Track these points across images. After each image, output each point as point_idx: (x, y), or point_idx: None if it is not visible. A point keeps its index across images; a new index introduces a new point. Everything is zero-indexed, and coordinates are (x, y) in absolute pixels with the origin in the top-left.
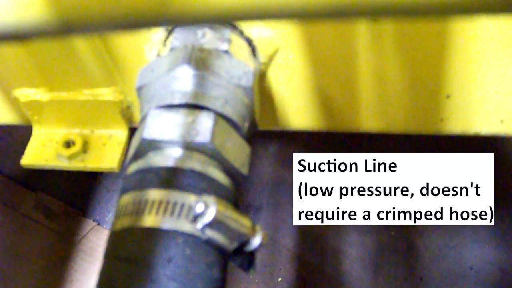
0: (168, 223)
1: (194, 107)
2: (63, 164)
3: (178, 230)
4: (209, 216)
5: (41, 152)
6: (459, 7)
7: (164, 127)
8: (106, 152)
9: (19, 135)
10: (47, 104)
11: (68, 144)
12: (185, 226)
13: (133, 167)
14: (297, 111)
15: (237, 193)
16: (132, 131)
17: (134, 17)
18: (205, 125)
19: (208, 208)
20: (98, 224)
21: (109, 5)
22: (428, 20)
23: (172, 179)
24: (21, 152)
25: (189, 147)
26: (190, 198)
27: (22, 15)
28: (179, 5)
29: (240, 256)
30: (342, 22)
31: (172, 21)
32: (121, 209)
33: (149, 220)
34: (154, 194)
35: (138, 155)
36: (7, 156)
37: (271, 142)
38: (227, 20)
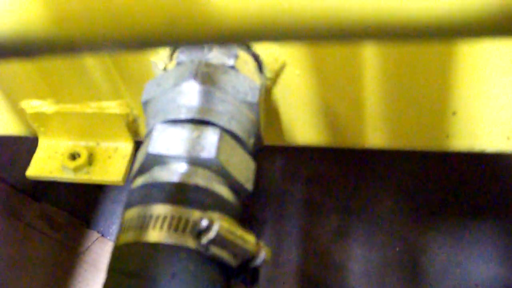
0: (172, 239)
1: (199, 122)
2: (68, 176)
3: (182, 245)
4: (213, 232)
5: (46, 164)
6: (462, 30)
7: (169, 142)
8: (111, 165)
9: (25, 146)
10: (53, 116)
11: (74, 156)
12: (189, 241)
13: (138, 182)
14: (303, 126)
15: (242, 209)
16: (138, 144)
17: (141, 37)
18: (210, 140)
19: (212, 224)
20: (102, 235)
21: (115, 24)
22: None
23: (177, 194)
24: (26, 162)
25: (194, 162)
26: (195, 214)
27: (25, 33)
28: (186, 26)
29: (244, 272)
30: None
31: (179, 42)
32: (125, 223)
33: (154, 235)
34: (159, 209)
35: (143, 169)
36: (13, 166)
37: (277, 156)
38: (234, 41)
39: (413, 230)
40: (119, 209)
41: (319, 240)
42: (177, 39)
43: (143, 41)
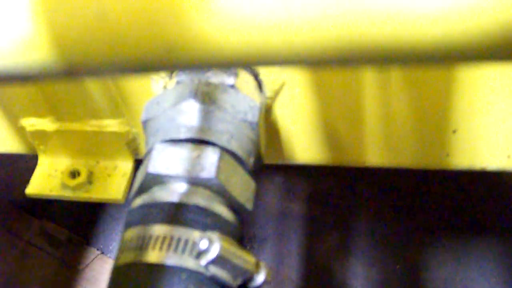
0: (172, 259)
1: (199, 141)
2: (68, 194)
3: (182, 266)
4: (213, 253)
5: (46, 182)
6: (462, 55)
7: (169, 161)
8: (111, 183)
9: (24, 163)
10: (53, 134)
11: (74, 175)
12: (189, 262)
13: (138, 201)
14: (303, 145)
15: (242, 229)
16: (137, 162)
17: (140, 63)
18: (210, 160)
19: (212, 245)
20: (102, 253)
21: (115, 50)
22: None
23: (176, 214)
24: (26, 179)
25: (194, 182)
26: (194, 234)
27: (26, 58)
28: (185, 51)
29: None
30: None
31: (178, 67)
32: (125, 244)
33: (153, 256)
34: (159, 229)
35: (143, 189)
36: (12, 183)
37: (277, 174)
38: (232, 66)
39: (414, 247)
40: (119, 226)
41: (320, 258)
42: (175, 64)
43: (143, 67)
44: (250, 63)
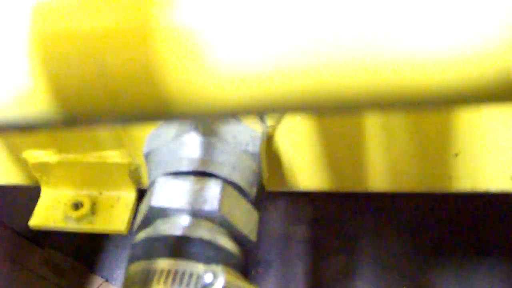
0: None
1: (201, 174)
2: (71, 225)
3: None
4: (218, 287)
5: (49, 214)
6: (460, 99)
7: (172, 195)
8: (114, 214)
9: (27, 194)
10: (55, 166)
11: (77, 206)
12: None
13: (141, 235)
14: (305, 172)
15: (246, 259)
16: (140, 192)
17: (137, 114)
18: (212, 193)
19: (217, 279)
20: (107, 280)
21: (113, 102)
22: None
23: (180, 248)
24: (29, 208)
25: (197, 214)
26: (199, 268)
27: (27, 110)
28: (181, 104)
29: None
30: None
31: (175, 119)
32: (129, 279)
33: None
34: (163, 263)
35: (146, 222)
36: (16, 213)
37: (280, 198)
38: (229, 117)
39: (419, 269)
40: (123, 254)
41: (326, 281)
42: (173, 116)
43: (141, 118)
44: (245, 113)
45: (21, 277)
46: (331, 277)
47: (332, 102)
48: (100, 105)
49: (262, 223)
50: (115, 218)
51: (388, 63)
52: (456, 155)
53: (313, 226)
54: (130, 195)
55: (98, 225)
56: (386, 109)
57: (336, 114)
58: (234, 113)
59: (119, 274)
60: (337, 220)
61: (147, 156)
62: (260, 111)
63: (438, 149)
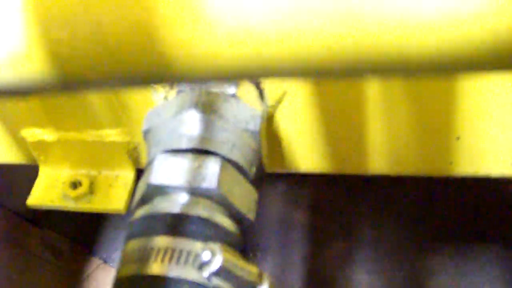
0: (174, 271)
1: (201, 152)
2: (70, 205)
3: (184, 278)
4: (215, 265)
5: (47, 193)
6: (465, 66)
7: (170, 172)
8: (112, 193)
9: (25, 174)
10: (54, 145)
11: (75, 185)
12: (191, 274)
13: (140, 213)
14: (305, 154)
15: (244, 239)
16: (139, 172)
17: (135, 75)
18: (211, 170)
19: (214, 256)
20: (105, 262)
21: (110, 62)
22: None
23: (178, 226)
24: (27, 189)
25: (196, 192)
26: (197, 246)
27: (22, 73)
28: (180, 64)
29: None
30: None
31: (174, 80)
32: (127, 256)
33: (155, 268)
34: (160, 241)
35: (144, 200)
36: (13, 194)
37: (279, 182)
38: (229, 79)
39: (418, 255)
40: (121, 236)
41: (323, 266)
42: (172, 77)
43: (139, 79)
44: (245, 76)
45: (18, 257)
46: (329, 262)
47: (334, 64)
48: (96, 65)
49: (260, 207)
50: (113, 197)
51: (378, 24)
52: (458, 138)
53: (312, 211)
54: (128, 175)
55: (96, 205)
56: (376, 73)
57: (333, 78)
58: (234, 73)
59: (118, 256)
60: (336, 205)
61: (146, 133)
62: (260, 71)
63: (440, 132)
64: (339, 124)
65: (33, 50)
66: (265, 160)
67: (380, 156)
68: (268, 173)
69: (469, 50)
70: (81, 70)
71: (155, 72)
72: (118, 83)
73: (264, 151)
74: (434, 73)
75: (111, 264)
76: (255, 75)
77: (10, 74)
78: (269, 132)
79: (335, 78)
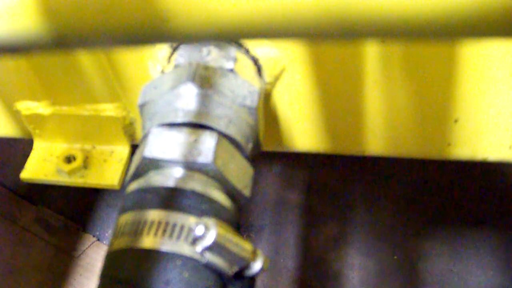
0: (166, 245)
1: (197, 126)
2: (63, 179)
3: (176, 252)
4: (209, 239)
5: (41, 167)
6: (464, 29)
7: (165, 146)
8: (107, 169)
9: (20, 147)
10: (48, 118)
11: (69, 159)
12: (184, 248)
13: (133, 186)
14: (302, 132)
15: (239, 215)
16: (134, 147)
17: (132, 33)
18: (207, 145)
19: (208, 231)
20: (98, 239)
21: (106, 19)
22: (435, 43)
23: (172, 199)
24: (22, 164)
25: (191, 167)
26: (190, 220)
27: (15, 27)
28: (178, 22)
29: (240, 280)
30: (350, 43)
31: (172, 38)
32: (119, 229)
33: (148, 241)
34: (154, 214)
35: (138, 173)
36: (8, 168)
37: (275, 162)
38: (227, 39)
39: (411, 238)
40: (115, 213)
41: (317, 248)
42: (169, 35)
43: (135, 37)
44: (243, 35)
45: (12, 233)
46: (323, 244)
47: (331, 26)
48: (90, 20)
49: (256, 187)
50: (107, 172)
51: None
52: (456, 121)
53: (307, 192)
54: (123, 150)
55: (90, 179)
56: (374, 35)
57: (332, 39)
58: (232, 32)
59: (111, 234)
60: (331, 187)
61: (142, 107)
62: (259, 31)
63: (438, 113)
64: (337, 103)
65: (27, 3)
66: (262, 138)
67: (377, 137)
68: (264, 152)
69: (471, 11)
70: (76, 25)
71: (150, 28)
72: (113, 40)
73: (261, 128)
74: (434, 36)
75: (104, 242)
76: (253, 35)
77: (3, 28)
78: (266, 109)
79: (334, 39)
